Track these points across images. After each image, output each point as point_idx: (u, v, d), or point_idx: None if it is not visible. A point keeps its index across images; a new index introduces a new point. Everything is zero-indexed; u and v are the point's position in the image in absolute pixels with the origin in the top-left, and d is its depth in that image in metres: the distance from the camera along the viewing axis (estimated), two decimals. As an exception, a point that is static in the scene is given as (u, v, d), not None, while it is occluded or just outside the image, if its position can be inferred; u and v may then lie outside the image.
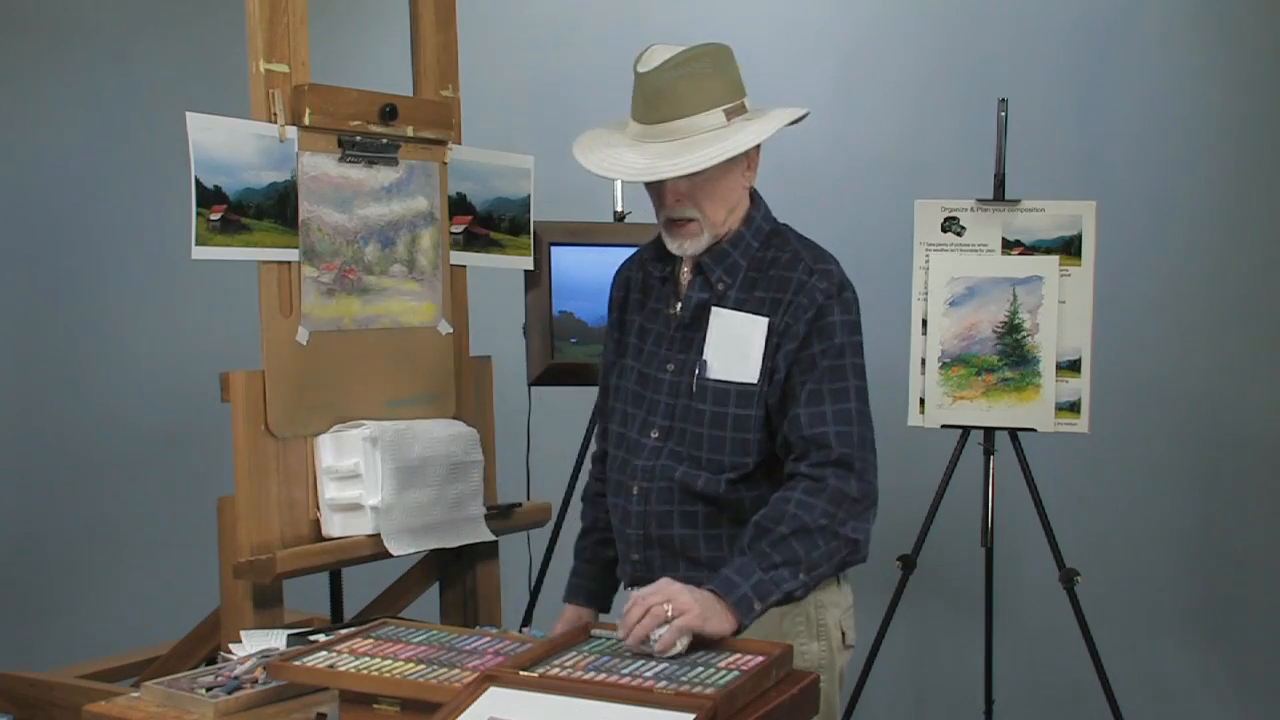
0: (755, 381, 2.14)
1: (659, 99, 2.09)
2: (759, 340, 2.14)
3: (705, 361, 2.17)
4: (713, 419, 2.15)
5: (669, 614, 1.87)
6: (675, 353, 2.21)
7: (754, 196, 2.25)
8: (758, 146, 2.16)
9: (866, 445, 2.11)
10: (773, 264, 2.18)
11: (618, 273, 2.40)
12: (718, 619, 1.92)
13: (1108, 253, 3.38)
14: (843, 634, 2.26)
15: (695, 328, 2.20)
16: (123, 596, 4.47)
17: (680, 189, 2.12)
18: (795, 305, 2.13)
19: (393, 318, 2.74)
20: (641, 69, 2.11)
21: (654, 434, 2.20)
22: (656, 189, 2.15)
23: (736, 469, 2.14)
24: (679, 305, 2.23)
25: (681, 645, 1.87)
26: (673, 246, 2.19)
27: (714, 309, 2.18)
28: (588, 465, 2.49)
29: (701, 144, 2.07)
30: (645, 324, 2.28)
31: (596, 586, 2.37)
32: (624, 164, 2.11)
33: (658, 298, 2.28)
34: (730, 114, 2.11)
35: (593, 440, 2.51)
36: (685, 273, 2.24)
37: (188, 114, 2.41)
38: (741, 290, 2.18)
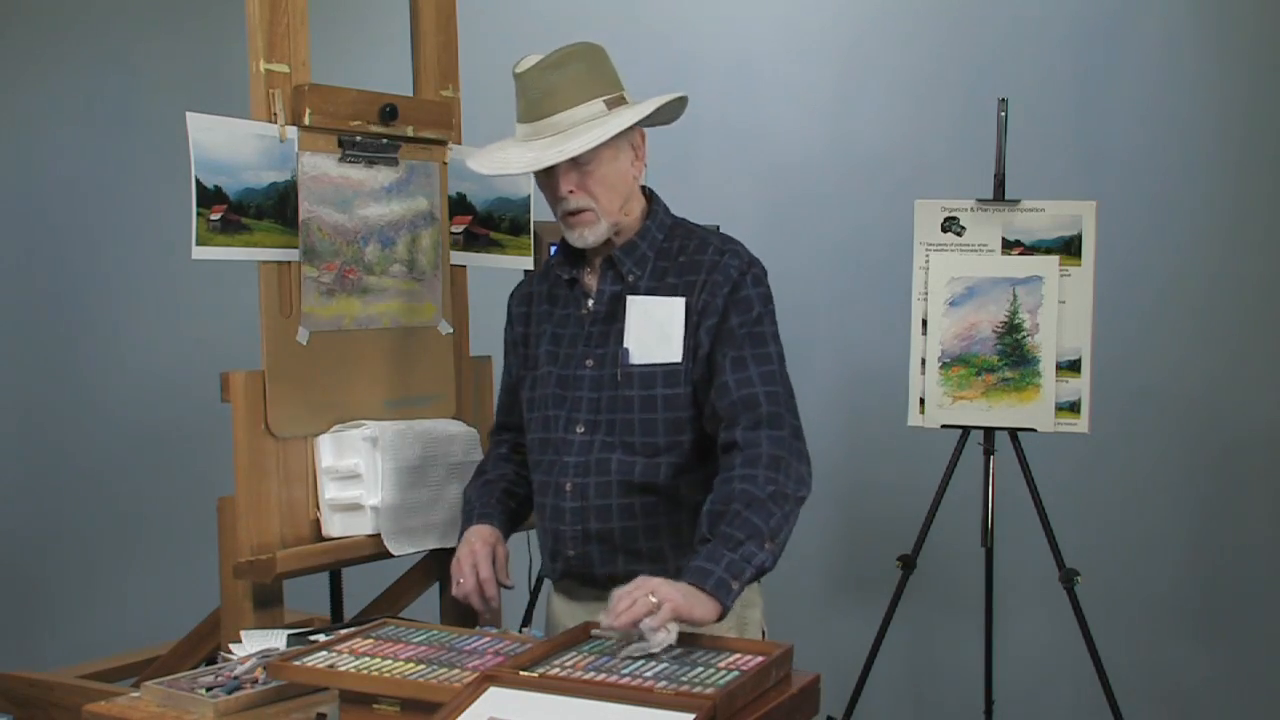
0: (679, 360, 2.19)
1: (538, 96, 2.17)
2: (678, 319, 2.20)
3: (626, 349, 2.22)
4: (642, 403, 2.20)
5: (655, 603, 1.89)
6: (593, 348, 2.26)
7: (651, 194, 2.33)
8: (643, 139, 2.26)
9: (792, 405, 2.19)
10: (681, 251, 2.26)
11: (514, 293, 2.48)
12: (701, 606, 1.95)
13: (1108, 253, 3.38)
14: (763, 632, 2.29)
15: (611, 320, 2.25)
16: (123, 596, 4.47)
17: (571, 180, 2.19)
18: (711, 283, 2.20)
19: (393, 318, 2.74)
20: (519, 70, 2.19)
21: (579, 429, 2.24)
22: (551, 185, 2.22)
23: (672, 449, 2.19)
24: (590, 302, 2.28)
25: (670, 633, 1.88)
26: (572, 237, 2.25)
27: (629, 297, 2.24)
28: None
29: (583, 131, 2.15)
30: (557, 330, 2.33)
31: (506, 520, 2.41)
32: (510, 160, 2.21)
33: (565, 303, 2.34)
34: (610, 103, 2.19)
35: (484, 460, 2.57)
36: (590, 272, 2.31)
37: (188, 114, 2.41)
38: (652, 279, 2.25)
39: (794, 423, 2.16)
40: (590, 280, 2.31)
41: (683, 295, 2.21)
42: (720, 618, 1.97)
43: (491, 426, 2.64)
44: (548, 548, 2.33)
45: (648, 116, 2.23)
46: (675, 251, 2.26)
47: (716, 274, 2.20)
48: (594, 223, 2.22)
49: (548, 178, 2.21)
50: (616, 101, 2.20)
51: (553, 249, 3.15)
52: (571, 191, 2.20)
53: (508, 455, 2.52)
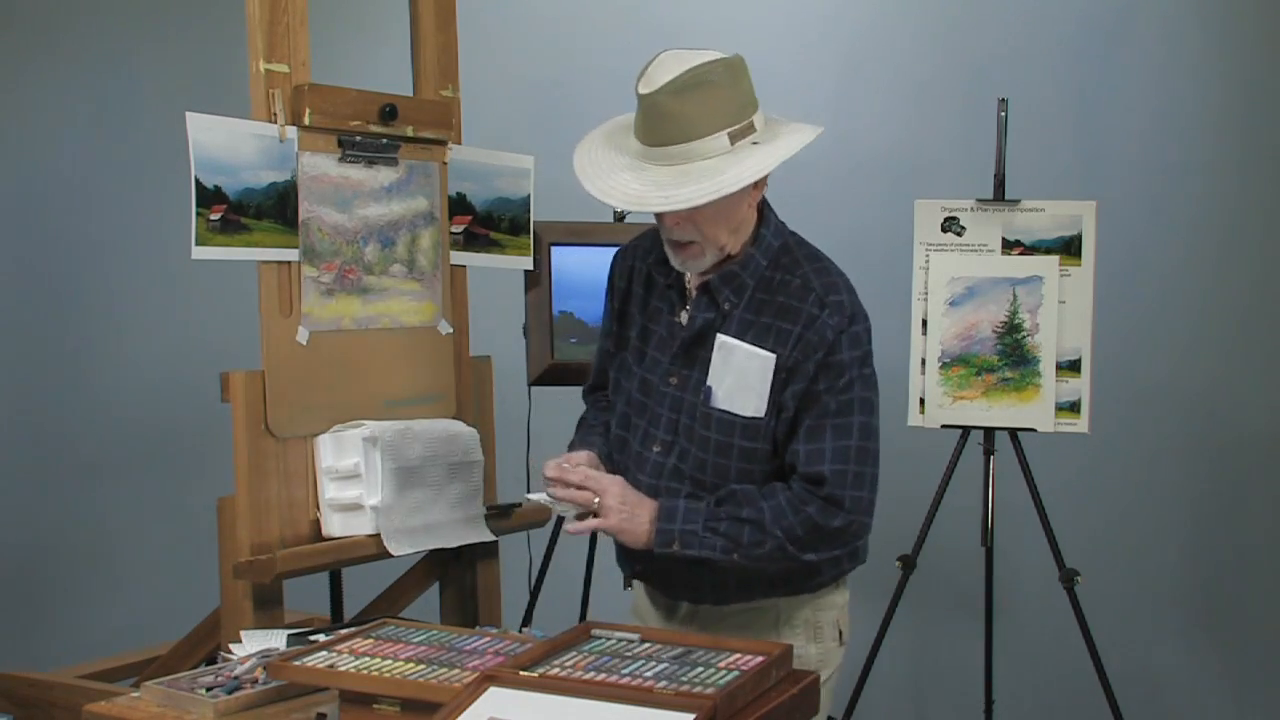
0: (763, 417, 2.12)
1: (660, 121, 2.01)
2: (767, 376, 2.11)
3: (710, 389, 2.14)
4: (718, 447, 2.15)
5: (595, 507, 2.09)
6: (679, 367, 2.19)
7: (763, 211, 2.20)
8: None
9: (863, 484, 2.09)
10: (781, 288, 2.13)
11: (620, 257, 2.34)
12: (634, 535, 2.10)
13: (1108, 253, 3.37)
14: (840, 632, 2.28)
15: (699, 345, 2.17)
16: (123, 596, 4.47)
17: (680, 215, 2.06)
18: (805, 342, 2.08)
19: (393, 318, 2.74)
20: (643, 90, 2.02)
21: (656, 448, 2.20)
22: (658, 214, 2.10)
23: None
24: (683, 314, 2.20)
25: (577, 526, 2.15)
26: (676, 264, 2.16)
27: (720, 338, 2.14)
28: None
29: (700, 173, 1.99)
30: (648, 325, 2.26)
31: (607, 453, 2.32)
32: (621, 191, 2.04)
33: (660, 297, 2.25)
34: (735, 136, 2.02)
35: (585, 389, 2.49)
36: (690, 280, 2.21)
37: (188, 114, 2.41)
38: (747, 311, 2.14)
39: (855, 504, 2.07)
40: (689, 284, 2.21)
41: (775, 344, 2.10)
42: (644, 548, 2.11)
43: (587, 389, 2.48)
44: (622, 548, 2.28)
45: None
46: (776, 285, 2.14)
47: (812, 333, 2.08)
48: (699, 255, 2.12)
49: None
50: (744, 131, 2.03)
51: (553, 249, 3.17)
52: (677, 225, 2.09)
53: (608, 409, 2.37)
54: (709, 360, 2.14)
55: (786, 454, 2.11)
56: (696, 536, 2.07)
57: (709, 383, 2.14)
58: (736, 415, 2.12)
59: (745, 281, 2.15)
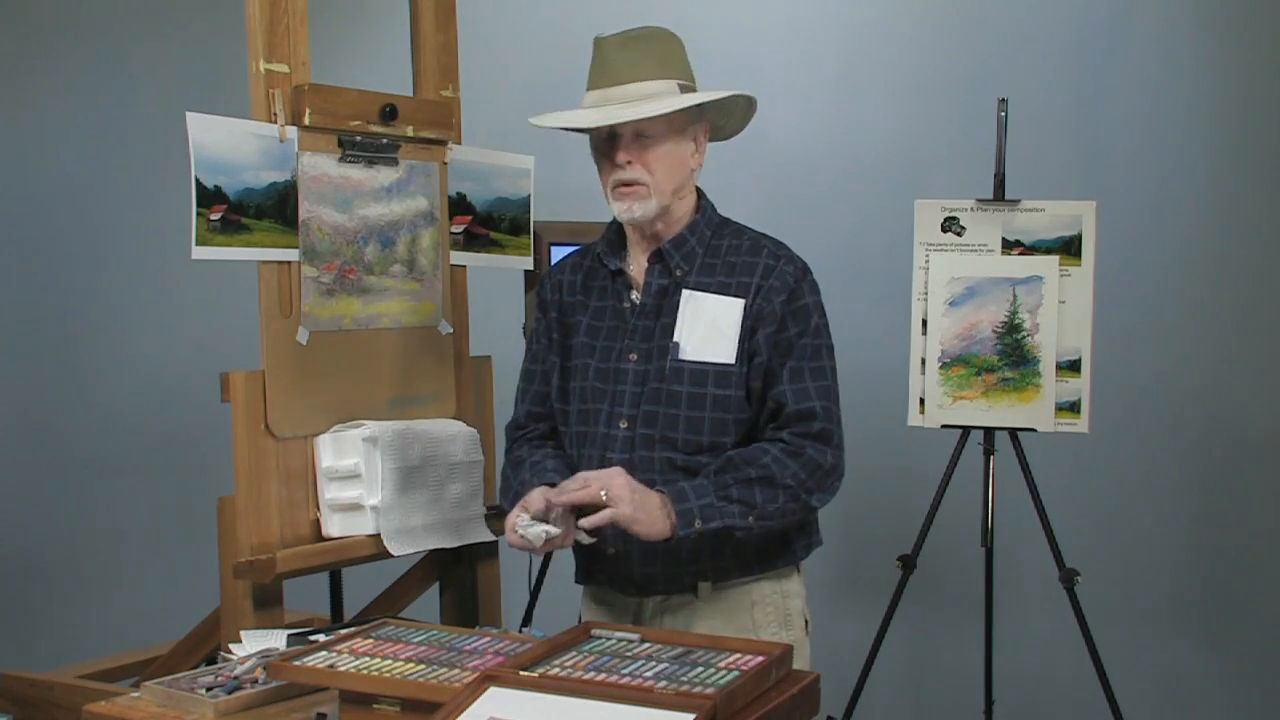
0: (733, 362, 2.19)
1: (616, 60, 2.18)
2: (735, 321, 2.20)
3: (677, 344, 2.20)
4: (690, 400, 2.19)
5: (604, 499, 2.02)
6: (637, 342, 2.25)
7: (701, 193, 2.32)
8: (706, 134, 2.26)
9: (841, 421, 2.23)
10: (731, 250, 2.25)
11: (545, 281, 2.43)
12: (650, 523, 2.05)
13: (1108, 253, 3.37)
14: (805, 621, 2.31)
15: (657, 314, 2.24)
16: (123, 596, 4.47)
17: (632, 151, 2.18)
18: (768, 289, 2.20)
19: (393, 318, 2.74)
20: (600, 36, 2.20)
21: (623, 424, 2.22)
22: (609, 153, 2.20)
23: (715, 449, 2.19)
24: (635, 295, 2.27)
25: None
26: (619, 209, 2.22)
27: (686, 292, 2.23)
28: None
29: (654, 100, 2.15)
30: (593, 322, 2.31)
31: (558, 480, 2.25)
32: (576, 116, 2.20)
33: (602, 295, 2.32)
34: (683, 88, 2.21)
35: (511, 426, 2.42)
36: (634, 264, 2.29)
37: (188, 114, 2.41)
38: (700, 275, 2.24)
39: (840, 440, 2.21)
40: (635, 273, 2.29)
41: (735, 294, 2.20)
42: (666, 543, 2.08)
43: (511, 421, 2.44)
44: (584, 548, 2.28)
45: (718, 109, 2.26)
46: (725, 250, 2.26)
47: (774, 279, 2.20)
48: (645, 198, 2.19)
49: (608, 146, 2.19)
50: (688, 89, 2.21)
51: (553, 249, 3.17)
52: (629, 162, 2.18)
53: (540, 444, 2.36)
54: (670, 325, 2.22)
55: (769, 397, 2.18)
56: (714, 508, 2.09)
57: (676, 339, 2.20)
58: (708, 364, 2.19)
59: (694, 248, 2.25)
